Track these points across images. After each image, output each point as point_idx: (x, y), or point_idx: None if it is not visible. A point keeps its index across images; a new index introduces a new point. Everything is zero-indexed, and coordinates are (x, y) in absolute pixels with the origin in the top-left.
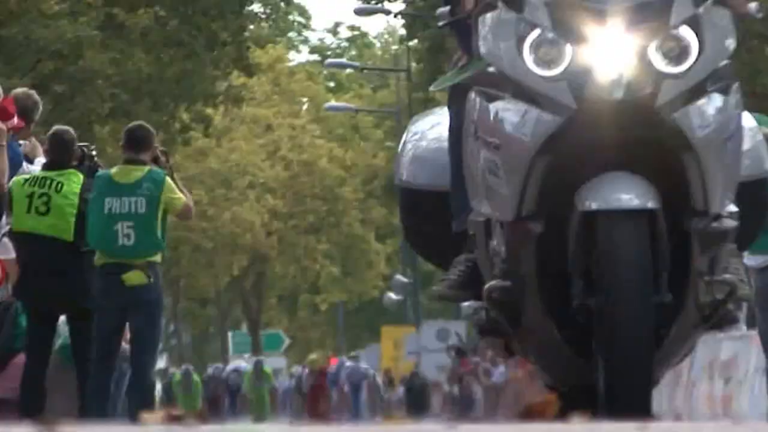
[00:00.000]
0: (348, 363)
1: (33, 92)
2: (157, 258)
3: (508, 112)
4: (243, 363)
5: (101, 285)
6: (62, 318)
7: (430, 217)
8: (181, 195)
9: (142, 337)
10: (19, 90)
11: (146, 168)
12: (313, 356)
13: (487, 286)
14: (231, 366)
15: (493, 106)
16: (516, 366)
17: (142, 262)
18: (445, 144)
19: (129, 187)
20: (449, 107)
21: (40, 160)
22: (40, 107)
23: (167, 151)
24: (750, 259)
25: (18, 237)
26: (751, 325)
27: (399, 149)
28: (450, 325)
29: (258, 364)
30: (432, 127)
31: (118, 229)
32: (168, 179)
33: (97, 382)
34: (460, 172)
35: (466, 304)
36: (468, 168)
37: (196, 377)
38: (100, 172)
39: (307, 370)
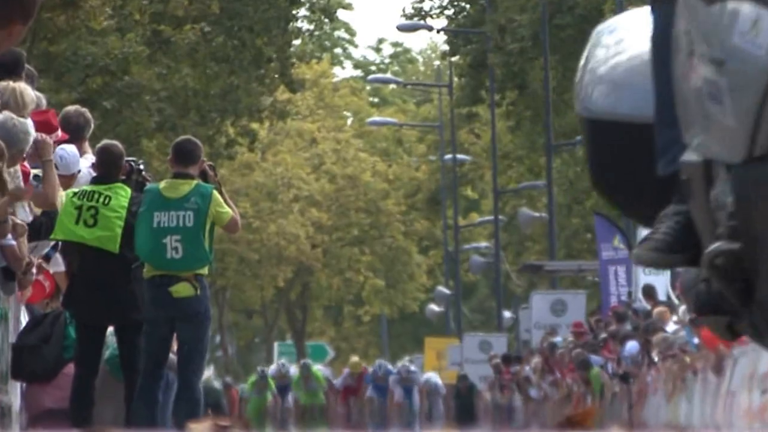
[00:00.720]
0: (399, 366)
1: (85, 110)
2: (205, 270)
3: (735, 16)
4: (291, 368)
5: (150, 296)
6: (110, 329)
7: (626, 158)
8: (228, 209)
9: (189, 348)
10: (71, 107)
11: (194, 182)
12: (355, 359)
13: (707, 249)
14: (272, 368)
15: (715, 9)
16: (557, 375)
17: (189, 275)
18: (641, 61)
19: (177, 201)
20: (652, 11)
21: (89, 156)
22: (92, 124)
23: (215, 165)
24: None
25: (66, 247)
26: None
27: (578, 73)
28: (491, 338)
29: (305, 367)
30: (622, 40)
31: (167, 242)
32: (215, 193)
33: (145, 392)
34: (668, 98)
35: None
36: (679, 92)
37: (270, 380)
38: (149, 185)
39: (347, 371)
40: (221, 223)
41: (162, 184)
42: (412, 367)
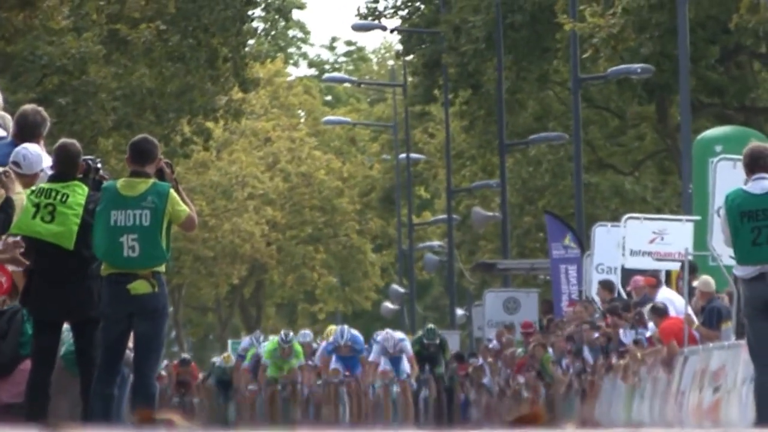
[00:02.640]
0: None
1: (41, 108)
2: (162, 268)
3: None
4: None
5: (107, 293)
6: (66, 325)
7: None
8: (185, 207)
9: (146, 344)
10: (28, 106)
11: (151, 181)
12: (332, 327)
13: None
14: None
15: None
16: (511, 373)
17: (147, 272)
18: None
19: (134, 200)
20: None
21: (48, 162)
22: (48, 123)
23: (171, 163)
24: (739, 270)
25: (23, 242)
26: (739, 335)
27: None
28: (444, 334)
29: (288, 337)
30: None
31: (124, 241)
32: (172, 192)
33: (102, 387)
34: None
35: None
36: None
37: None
38: (107, 183)
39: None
40: (178, 221)
41: (119, 183)
42: (398, 334)
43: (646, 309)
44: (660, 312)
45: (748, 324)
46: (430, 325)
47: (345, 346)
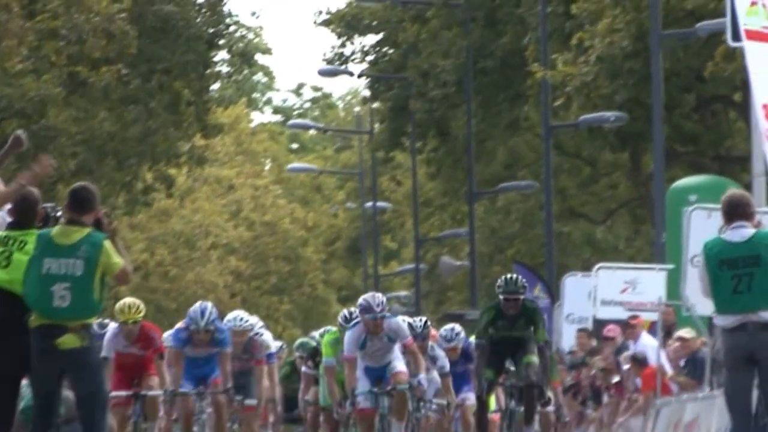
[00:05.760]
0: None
1: None
2: (92, 320)
3: None
4: None
5: (36, 348)
6: (25, 381)
7: None
8: (118, 259)
9: (89, 399)
10: None
11: (86, 230)
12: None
13: None
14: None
15: None
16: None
17: (76, 325)
18: None
19: (67, 249)
20: None
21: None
22: None
23: (111, 215)
24: (719, 320)
25: None
26: (714, 386)
27: None
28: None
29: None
30: None
31: (55, 290)
32: (106, 243)
33: None
34: None
35: None
36: None
37: None
38: (42, 231)
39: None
40: (111, 274)
41: (54, 231)
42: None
43: (623, 356)
44: (641, 362)
45: (728, 374)
46: (510, 274)
47: (206, 332)
